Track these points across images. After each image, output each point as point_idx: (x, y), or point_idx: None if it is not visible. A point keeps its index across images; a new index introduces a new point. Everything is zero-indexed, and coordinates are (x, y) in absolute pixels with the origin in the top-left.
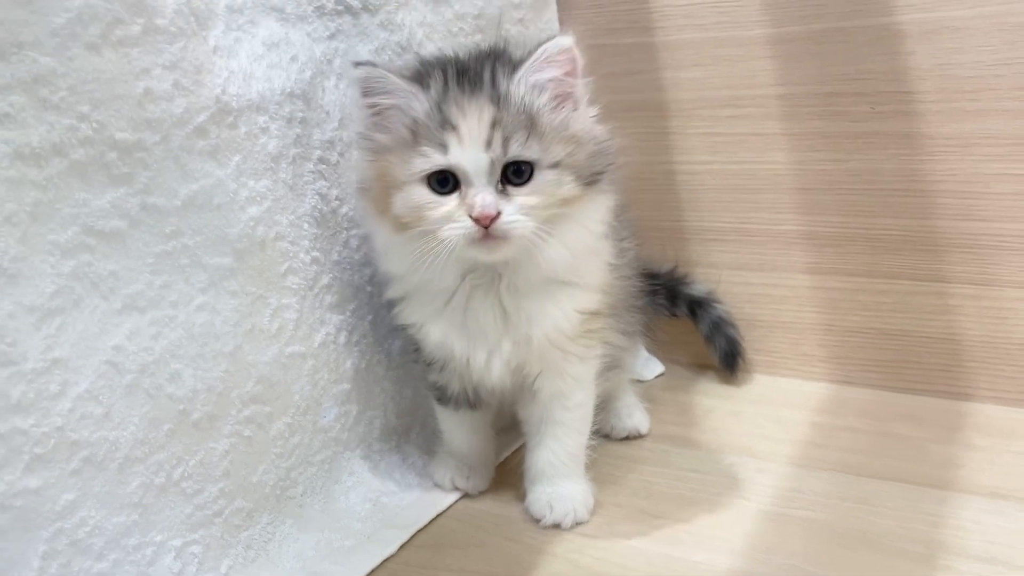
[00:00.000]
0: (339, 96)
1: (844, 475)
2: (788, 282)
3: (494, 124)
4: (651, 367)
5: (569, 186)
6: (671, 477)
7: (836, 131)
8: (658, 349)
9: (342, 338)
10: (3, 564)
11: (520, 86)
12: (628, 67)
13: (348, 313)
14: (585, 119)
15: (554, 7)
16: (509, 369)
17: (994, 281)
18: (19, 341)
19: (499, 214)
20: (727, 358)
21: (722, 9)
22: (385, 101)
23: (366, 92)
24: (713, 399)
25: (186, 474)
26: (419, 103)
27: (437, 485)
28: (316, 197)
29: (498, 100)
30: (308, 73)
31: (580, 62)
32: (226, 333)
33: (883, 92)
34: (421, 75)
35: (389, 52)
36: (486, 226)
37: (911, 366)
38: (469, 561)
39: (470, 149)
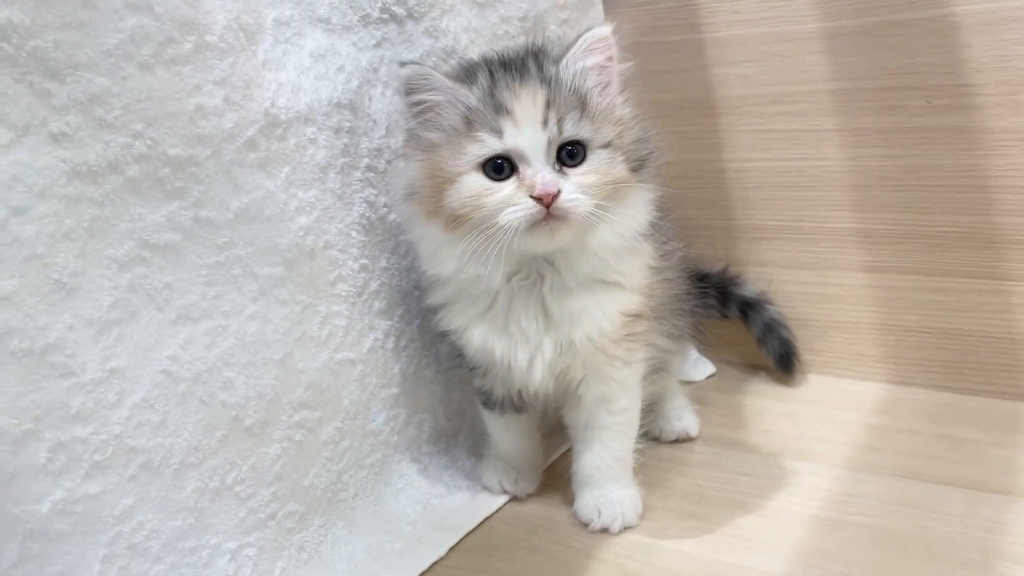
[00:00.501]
0: (386, 104)
1: (901, 479)
2: (843, 280)
3: (548, 104)
4: (701, 368)
5: (620, 167)
6: (721, 480)
7: (891, 126)
8: (709, 350)
9: (390, 343)
10: (65, 568)
11: (567, 70)
12: (675, 64)
13: (396, 318)
14: (626, 104)
15: (599, 6)
16: (552, 373)
17: None
18: (79, 353)
19: (559, 192)
20: (782, 359)
21: (771, 4)
22: (433, 97)
23: (412, 90)
24: (765, 400)
25: (239, 478)
26: (470, 94)
27: (485, 488)
28: (364, 205)
29: (549, 82)
30: (355, 83)
31: (617, 50)
32: (277, 341)
33: (939, 86)
34: (465, 74)
35: (434, 58)
36: (547, 204)
37: (971, 366)
38: (517, 565)
39: (527, 130)
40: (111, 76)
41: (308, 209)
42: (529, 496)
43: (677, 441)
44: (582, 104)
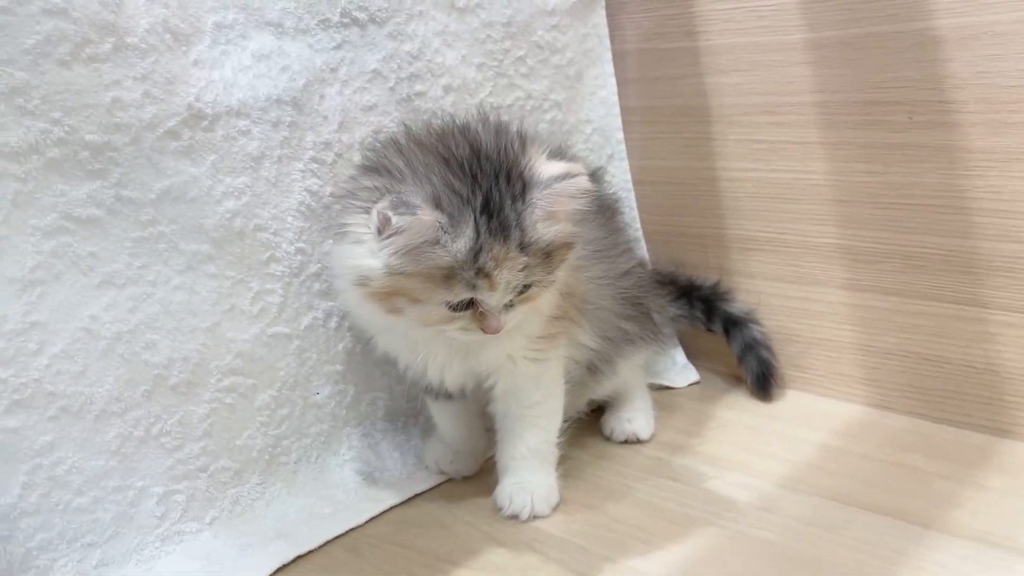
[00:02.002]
0: (343, 101)
1: (828, 502)
2: (826, 297)
3: (523, 269)
4: (685, 375)
5: (558, 278)
6: (651, 485)
7: (874, 141)
8: (700, 358)
9: (332, 323)
10: None
11: (541, 221)
12: (673, 71)
13: (339, 300)
14: (573, 234)
15: (602, 11)
16: (461, 376)
17: None
18: (0, 306)
19: (505, 324)
20: (759, 380)
21: (761, 13)
22: (416, 240)
23: (396, 232)
24: (735, 412)
25: (165, 430)
26: (454, 246)
27: (425, 467)
28: (305, 193)
29: (527, 246)
30: (301, 81)
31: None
32: (204, 311)
33: (921, 101)
34: (442, 199)
35: (399, 60)
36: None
37: (949, 396)
38: (423, 539)
39: (500, 294)
40: (30, 71)
41: (237, 194)
42: (466, 479)
43: (627, 442)
44: (546, 258)
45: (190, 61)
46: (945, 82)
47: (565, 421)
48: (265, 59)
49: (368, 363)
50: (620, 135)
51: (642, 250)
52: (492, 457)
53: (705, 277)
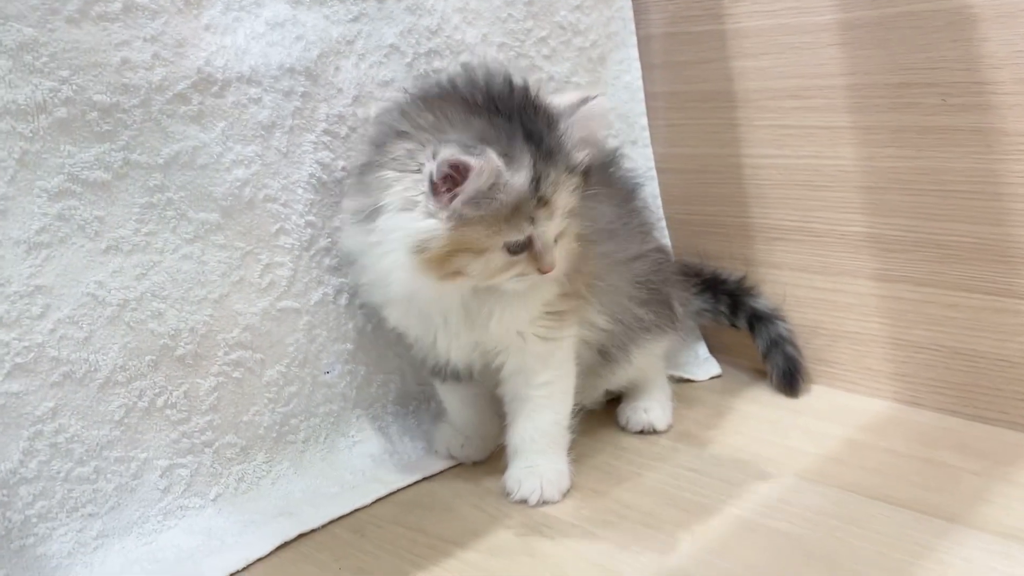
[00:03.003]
0: (358, 75)
1: (849, 494)
2: (854, 288)
3: (574, 191)
4: (707, 368)
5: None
6: (665, 473)
7: (906, 125)
8: (723, 352)
9: (343, 299)
10: None
11: (577, 147)
12: (700, 55)
13: (351, 277)
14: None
15: None
16: (468, 349)
17: None
18: (4, 267)
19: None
20: (785, 376)
21: None
22: (487, 183)
23: (471, 177)
24: (756, 406)
25: (170, 402)
26: (516, 180)
27: (435, 451)
28: (316, 166)
29: (573, 168)
30: (315, 52)
31: None
32: (212, 282)
33: (955, 83)
34: (492, 140)
35: (417, 35)
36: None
37: (983, 391)
38: (428, 521)
39: (557, 221)
40: (39, 27)
41: (246, 163)
42: (476, 464)
43: (642, 432)
44: (584, 180)
45: (201, 25)
46: (981, 62)
47: (578, 408)
48: (279, 27)
49: (380, 344)
50: (644, 121)
51: (665, 237)
52: (503, 443)
53: (730, 271)
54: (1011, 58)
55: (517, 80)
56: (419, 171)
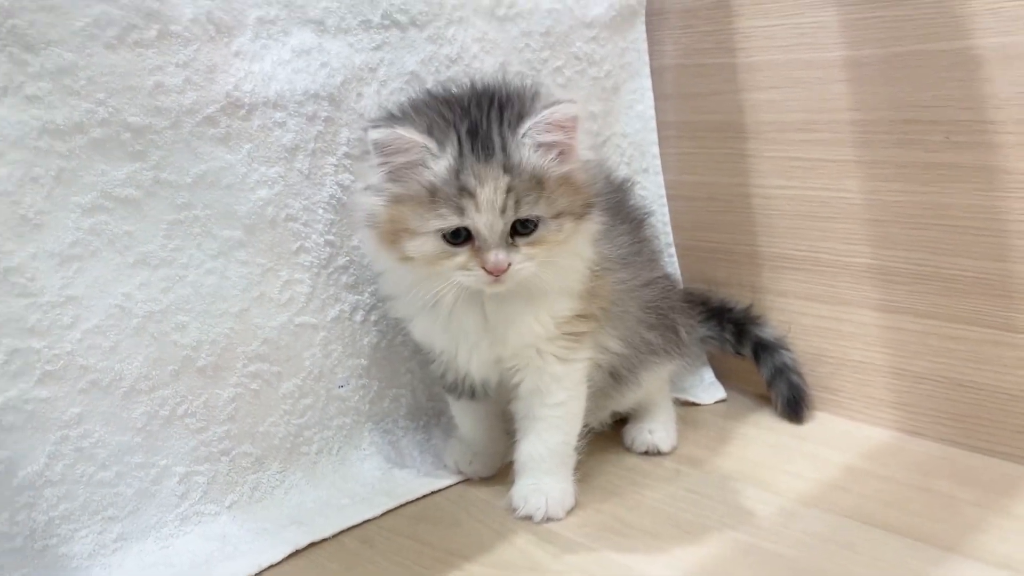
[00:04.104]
0: (380, 100)
1: (848, 520)
2: (858, 318)
3: (508, 190)
4: (712, 392)
5: (567, 229)
6: (667, 495)
7: (910, 161)
8: (729, 378)
9: (358, 316)
10: (15, 455)
11: (528, 149)
12: (712, 87)
13: (367, 294)
14: (582, 167)
15: (642, 26)
16: (489, 366)
17: None
18: (38, 278)
19: (508, 265)
20: (789, 404)
21: (802, 31)
22: (402, 159)
23: (384, 152)
24: (759, 430)
25: (190, 411)
26: (436, 165)
27: (444, 466)
28: (336, 187)
29: (511, 168)
30: (339, 78)
31: (579, 122)
32: (234, 296)
33: (959, 121)
34: (432, 126)
35: (437, 63)
36: (497, 276)
37: (983, 423)
38: (436, 534)
39: (487, 215)
40: (78, 52)
41: (270, 183)
42: (483, 479)
43: (647, 453)
44: (539, 184)
45: (231, 52)
46: (985, 102)
47: (586, 429)
48: (305, 55)
49: (393, 359)
50: (655, 149)
51: (674, 264)
52: (511, 461)
53: (737, 300)
54: (1014, 99)
55: (514, 84)
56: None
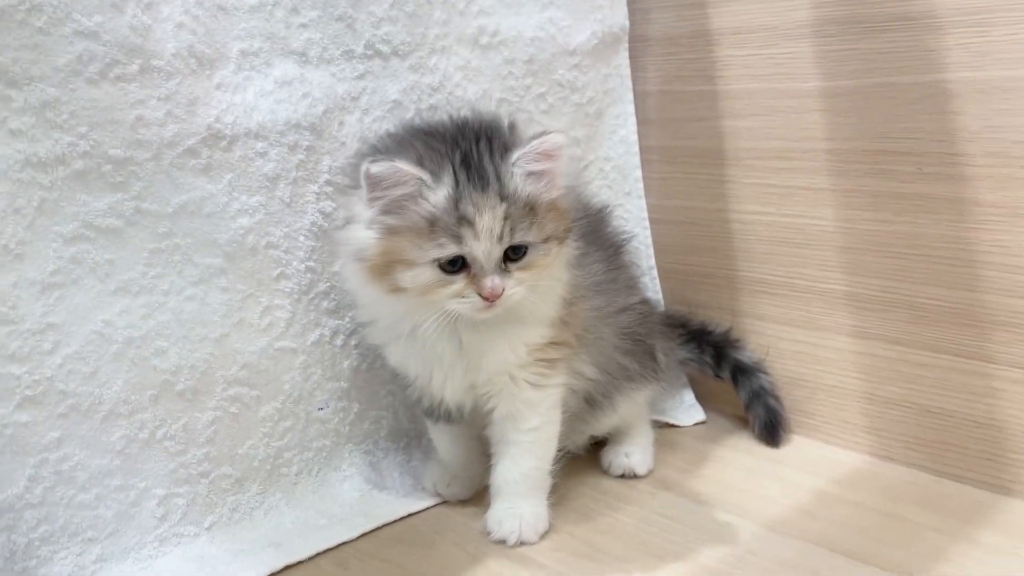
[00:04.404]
0: (362, 128)
1: (814, 547)
2: (832, 344)
3: (505, 218)
4: (691, 414)
5: (553, 253)
6: (639, 519)
7: (883, 190)
8: (709, 400)
9: (339, 340)
10: None
11: (520, 178)
12: (693, 114)
13: (347, 319)
14: (564, 195)
15: (625, 53)
16: (463, 390)
17: None
18: (19, 306)
19: (503, 290)
20: (766, 427)
21: (778, 61)
22: (398, 191)
23: (380, 185)
24: (736, 453)
25: (169, 435)
26: (434, 196)
27: (423, 488)
28: (318, 215)
29: (507, 196)
30: (321, 108)
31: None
32: (214, 322)
33: (931, 153)
34: (423, 158)
35: (419, 92)
36: (492, 301)
37: (952, 450)
38: (409, 557)
39: (485, 242)
40: (61, 88)
41: (251, 212)
42: (463, 502)
43: (623, 476)
44: (531, 211)
45: (213, 84)
46: (955, 135)
47: (561, 452)
48: (287, 85)
49: (373, 382)
50: (638, 173)
51: (656, 287)
52: (489, 484)
53: (717, 323)
54: (984, 132)
55: (489, 116)
56: (360, 188)
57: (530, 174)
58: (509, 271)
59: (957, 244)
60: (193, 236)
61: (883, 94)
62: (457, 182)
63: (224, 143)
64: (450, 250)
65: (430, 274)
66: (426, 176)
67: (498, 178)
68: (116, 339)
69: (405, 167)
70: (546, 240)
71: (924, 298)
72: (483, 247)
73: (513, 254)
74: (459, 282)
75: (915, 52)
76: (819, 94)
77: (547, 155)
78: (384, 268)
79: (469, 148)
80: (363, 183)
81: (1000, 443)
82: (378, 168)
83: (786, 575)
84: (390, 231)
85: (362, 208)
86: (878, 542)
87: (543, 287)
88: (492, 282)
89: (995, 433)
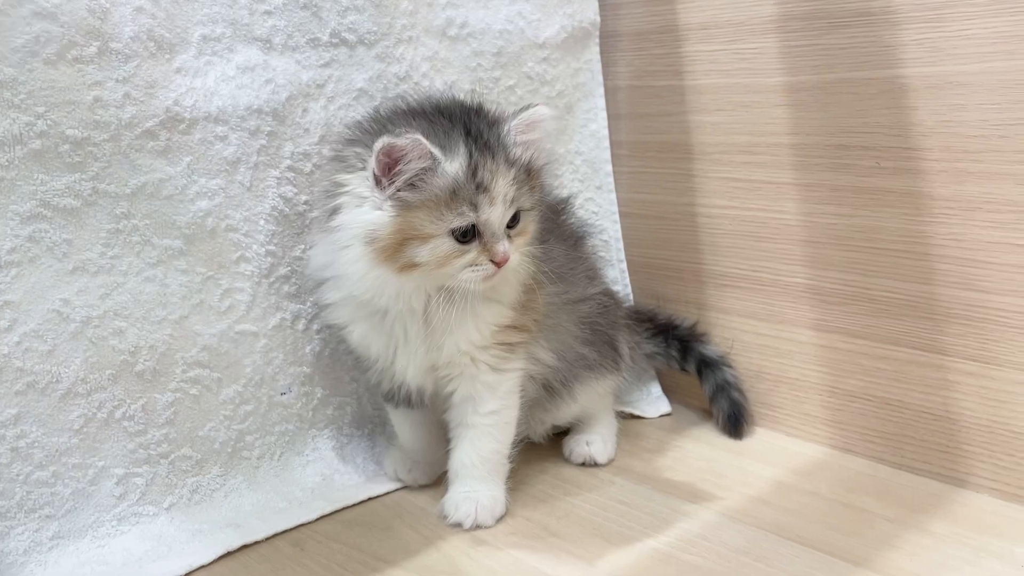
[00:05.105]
0: (327, 116)
1: (767, 534)
2: (795, 336)
3: (514, 183)
4: (657, 406)
5: (536, 220)
6: (596, 505)
7: (843, 184)
8: (676, 392)
9: (300, 325)
10: None
11: (519, 146)
12: (661, 109)
13: (308, 304)
14: (544, 169)
15: (596, 48)
16: (424, 372)
17: (994, 359)
18: None
19: (509, 255)
20: (730, 420)
21: (743, 56)
22: (416, 166)
23: (401, 161)
24: (699, 445)
25: (128, 415)
26: (451, 167)
27: (384, 473)
28: (279, 199)
29: (513, 162)
30: (284, 95)
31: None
32: (173, 303)
33: (888, 147)
34: (427, 132)
35: (386, 81)
36: (501, 265)
37: (909, 442)
38: (366, 539)
39: (499, 208)
40: (18, 68)
41: (210, 195)
42: (423, 487)
43: (584, 465)
44: (528, 177)
45: (173, 68)
46: (911, 129)
47: (521, 439)
48: (249, 71)
49: (337, 368)
50: (609, 167)
51: (625, 280)
52: (447, 470)
53: (684, 317)
54: (939, 127)
55: (462, 96)
56: (365, 168)
57: (523, 143)
58: (510, 237)
59: (913, 238)
60: (152, 217)
61: (844, 89)
62: (471, 152)
63: (183, 126)
64: (469, 218)
65: (447, 245)
66: (436, 151)
67: (503, 146)
68: (74, 318)
69: (425, 141)
70: (532, 207)
71: (882, 291)
72: (498, 212)
73: (512, 222)
74: (473, 251)
75: (873, 48)
76: (783, 89)
77: (534, 126)
78: (397, 247)
79: (469, 121)
80: (375, 160)
81: (954, 435)
82: (402, 142)
83: (736, 560)
84: (406, 207)
85: (367, 188)
86: (830, 530)
87: (519, 262)
88: (504, 247)
89: (950, 425)
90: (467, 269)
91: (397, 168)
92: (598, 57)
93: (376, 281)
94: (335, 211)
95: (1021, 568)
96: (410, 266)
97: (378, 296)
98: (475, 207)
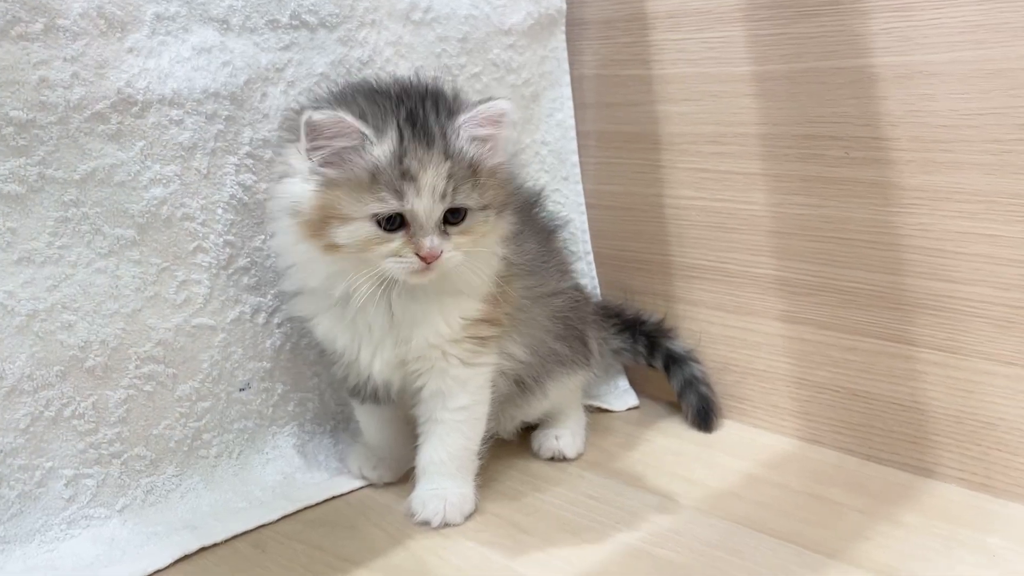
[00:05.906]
0: (287, 101)
1: (738, 527)
2: (763, 328)
3: (449, 177)
4: (624, 399)
5: (491, 222)
6: (566, 500)
7: (812, 175)
8: (644, 385)
9: (260, 319)
10: None
11: (466, 140)
12: (628, 98)
13: (269, 297)
14: (506, 165)
15: (562, 35)
16: (392, 366)
17: (961, 349)
18: None
19: (441, 253)
20: (699, 414)
21: (711, 45)
22: (339, 143)
23: (322, 135)
24: (667, 438)
25: (78, 413)
26: (377, 150)
27: (348, 471)
28: (238, 187)
29: (451, 155)
30: (242, 78)
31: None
32: (126, 296)
33: (857, 137)
34: (366, 113)
35: (348, 65)
36: (429, 263)
37: (877, 433)
38: (330, 539)
39: (426, 200)
40: None
41: (165, 182)
42: (388, 485)
43: (553, 459)
44: (473, 174)
45: (124, 48)
46: (880, 119)
47: (491, 436)
48: (206, 53)
49: (299, 363)
50: (575, 158)
51: (592, 272)
52: (415, 467)
53: (651, 313)
54: (907, 117)
55: (433, 80)
56: (299, 140)
57: (475, 138)
58: (448, 234)
59: (882, 228)
60: (102, 205)
61: (812, 79)
62: (402, 137)
63: (136, 109)
64: (391, 205)
65: (367, 230)
66: (368, 131)
67: (443, 136)
68: (19, 311)
69: (348, 119)
70: (485, 207)
71: (851, 282)
72: (424, 204)
73: (452, 217)
74: (397, 240)
75: (842, 37)
76: (751, 79)
77: (492, 120)
78: (319, 223)
79: (414, 106)
80: (303, 133)
81: (922, 426)
82: (320, 116)
83: (709, 554)
84: (329, 184)
85: (299, 161)
86: (801, 522)
87: (480, 257)
88: (431, 242)
89: (918, 416)
90: (391, 259)
91: (318, 142)
92: (564, 45)
93: (303, 256)
94: (277, 180)
95: (992, 557)
96: (332, 246)
97: (309, 278)
98: (399, 195)
